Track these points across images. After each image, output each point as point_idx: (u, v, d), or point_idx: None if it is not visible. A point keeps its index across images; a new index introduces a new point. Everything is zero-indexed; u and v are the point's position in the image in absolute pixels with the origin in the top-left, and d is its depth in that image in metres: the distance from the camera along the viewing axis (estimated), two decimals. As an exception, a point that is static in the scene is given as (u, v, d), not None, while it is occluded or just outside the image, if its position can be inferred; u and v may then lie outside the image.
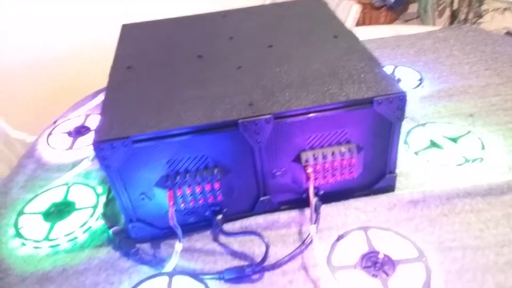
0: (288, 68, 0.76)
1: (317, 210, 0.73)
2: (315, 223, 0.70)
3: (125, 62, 0.83)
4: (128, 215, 0.72)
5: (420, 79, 1.10)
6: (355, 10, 1.72)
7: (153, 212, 0.73)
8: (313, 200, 0.70)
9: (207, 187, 0.70)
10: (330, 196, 0.77)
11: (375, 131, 0.71)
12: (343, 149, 0.71)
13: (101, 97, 1.15)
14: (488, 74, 1.12)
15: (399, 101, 0.68)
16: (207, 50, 0.85)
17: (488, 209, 0.75)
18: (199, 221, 0.75)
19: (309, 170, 0.71)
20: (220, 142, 0.67)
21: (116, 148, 0.64)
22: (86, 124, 1.06)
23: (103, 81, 1.22)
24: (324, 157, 0.71)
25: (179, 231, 0.68)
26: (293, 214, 0.76)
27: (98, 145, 0.63)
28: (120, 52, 0.88)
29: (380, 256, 0.67)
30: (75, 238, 0.77)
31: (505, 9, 1.89)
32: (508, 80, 1.08)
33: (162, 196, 0.70)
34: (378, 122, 0.70)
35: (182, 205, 0.71)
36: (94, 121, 1.06)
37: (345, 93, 0.68)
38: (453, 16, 2.06)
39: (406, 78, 1.11)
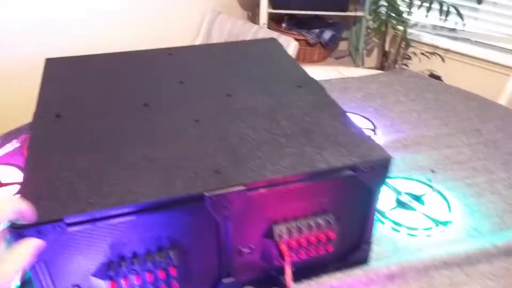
0: (254, 124, 0.66)
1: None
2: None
3: (52, 108, 0.67)
4: (55, 313, 0.56)
5: (373, 128, 1.06)
6: (293, 46, 1.68)
7: (89, 305, 0.57)
8: (292, 285, 0.59)
9: (161, 275, 0.56)
10: (300, 272, 0.66)
11: (353, 199, 0.63)
12: (320, 220, 0.61)
13: (13, 144, 0.95)
14: (436, 124, 1.10)
15: (383, 167, 0.60)
16: (154, 97, 0.72)
17: (467, 282, 0.69)
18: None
19: (283, 246, 0.60)
20: (179, 219, 0.54)
21: (45, 235, 0.48)
22: (-7, 177, 0.86)
23: (12, 120, 1.04)
24: (299, 230, 0.61)
25: (124, 335, 0.53)
26: (260, 296, 0.65)
27: (18, 232, 0.47)
28: (45, 95, 0.71)
29: None
30: None
31: (431, 53, 1.97)
32: (456, 131, 1.08)
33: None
34: (358, 189, 0.61)
35: (128, 297, 0.56)
36: (4, 174, 0.87)
37: (325, 159, 0.59)
38: (384, 56, 2.12)
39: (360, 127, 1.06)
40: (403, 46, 2.01)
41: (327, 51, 2.22)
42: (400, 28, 1.94)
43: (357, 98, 1.21)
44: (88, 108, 0.69)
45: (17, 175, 0.86)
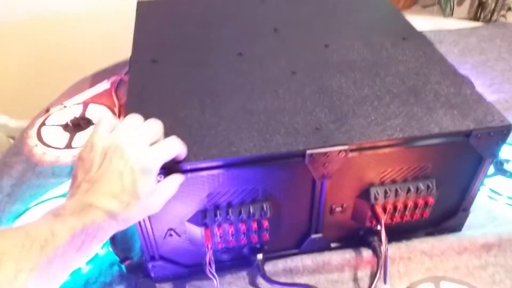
0: (355, 78, 0.62)
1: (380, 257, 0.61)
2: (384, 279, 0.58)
3: (148, 53, 0.67)
4: (150, 253, 0.58)
5: (471, 87, 0.97)
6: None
7: (180, 248, 0.59)
8: (386, 252, 0.57)
9: (254, 226, 0.56)
10: (392, 234, 0.63)
11: (461, 166, 0.58)
12: (421, 185, 0.58)
13: (104, 84, 0.97)
14: (543, 85, 1.00)
15: (501, 134, 0.54)
16: (248, 46, 0.69)
17: None
18: (234, 259, 0.62)
19: (379, 209, 0.58)
20: (277, 174, 0.53)
21: (148, 181, 0.49)
22: (86, 115, 0.89)
23: (105, 60, 1.06)
24: (397, 194, 0.57)
25: (216, 282, 0.54)
26: (347, 255, 0.64)
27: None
28: (140, 39, 0.71)
29: (459, 320, 0.55)
30: (78, 270, 0.63)
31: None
32: None
33: (195, 233, 0.56)
34: (468, 156, 0.57)
35: (220, 245, 0.57)
36: (96, 112, 0.90)
37: (436, 122, 0.54)
38: (480, 6, 1.93)
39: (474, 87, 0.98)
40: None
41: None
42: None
43: (452, 53, 1.11)
44: (183, 55, 0.68)
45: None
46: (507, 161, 0.78)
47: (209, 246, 0.54)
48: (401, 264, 0.63)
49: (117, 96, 0.93)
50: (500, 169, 0.77)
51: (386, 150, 0.53)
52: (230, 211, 0.54)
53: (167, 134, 0.49)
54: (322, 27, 0.74)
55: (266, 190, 0.54)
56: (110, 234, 0.43)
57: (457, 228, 0.67)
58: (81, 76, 1.03)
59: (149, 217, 0.54)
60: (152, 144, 0.46)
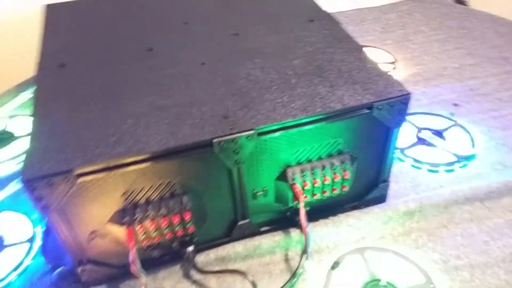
0: (263, 64, 0.63)
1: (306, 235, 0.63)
2: (307, 254, 0.59)
3: (55, 58, 0.66)
4: (77, 257, 0.57)
5: (393, 62, 1.01)
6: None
7: (108, 250, 0.58)
8: (306, 226, 0.58)
9: (175, 219, 0.56)
10: (317, 212, 0.66)
11: (370, 138, 0.61)
12: (335, 161, 0.60)
13: (26, 94, 0.95)
14: (460, 54, 1.05)
15: (401, 104, 0.57)
16: (158, 40, 0.69)
17: (490, 217, 0.68)
18: (165, 255, 0.62)
19: (297, 188, 0.59)
20: (189, 166, 0.53)
21: (55, 186, 0.48)
22: (8, 130, 0.87)
23: (22, 71, 1.02)
24: (313, 172, 0.59)
25: (143, 279, 0.55)
26: (277, 237, 0.65)
27: (29, 184, 0.47)
28: (48, 44, 0.69)
29: (383, 284, 0.58)
30: (8, 284, 0.62)
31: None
32: (481, 61, 1.02)
33: (118, 232, 0.56)
34: (375, 128, 0.59)
35: (145, 242, 0.57)
36: (19, 125, 0.87)
37: (339, 98, 0.56)
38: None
39: (379, 60, 1.01)
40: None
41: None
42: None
43: (374, 31, 1.14)
44: (92, 56, 0.67)
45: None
46: (419, 129, 0.81)
47: (132, 244, 0.54)
48: (329, 239, 0.65)
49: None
50: (419, 138, 0.80)
51: (294, 130, 0.54)
52: (149, 207, 0.54)
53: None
54: (231, 17, 0.75)
55: (184, 183, 0.55)
56: None
57: (381, 199, 0.69)
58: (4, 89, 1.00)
59: (68, 223, 0.53)
60: None
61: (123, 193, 0.53)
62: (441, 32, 1.14)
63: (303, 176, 0.59)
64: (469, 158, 0.76)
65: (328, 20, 0.72)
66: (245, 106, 0.55)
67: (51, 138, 0.52)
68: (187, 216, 0.56)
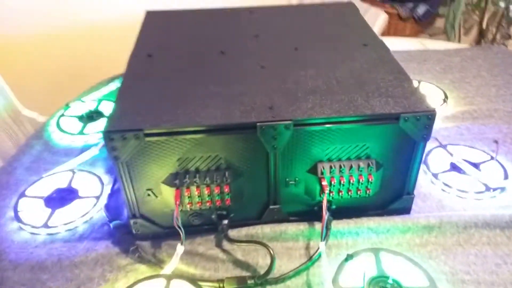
0: (313, 73, 0.73)
1: (328, 226, 0.70)
2: (324, 240, 0.67)
3: (146, 49, 0.80)
4: (132, 210, 0.69)
5: (445, 98, 1.06)
6: (382, 19, 1.68)
7: (157, 209, 0.70)
8: (326, 215, 0.66)
9: (216, 190, 0.67)
10: (343, 212, 0.73)
11: (397, 149, 0.68)
12: (362, 164, 0.67)
13: (116, 83, 1.12)
14: (514, 100, 1.08)
15: (427, 119, 0.64)
16: (230, 46, 0.82)
17: (507, 243, 0.71)
18: (204, 224, 0.72)
19: (324, 182, 0.68)
20: (235, 144, 0.64)
21: (127, 140, 0.61)
22: (99, 109, 1.03)
23: (120, 67, 1.21)
24: (341, 170, 0.67)
25: (182, 233, 0.65)
26: (302, 227, 0.73)
27: (108, 135, 0.60)
28: (142, 39, 0.85)
29: (389, 281, 0.64)
30: (75, 228, 0.75)
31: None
32: (535, 108, 1.04)
33: (168, 194, 0.67)
34: (401, 139, 0.66)
35: (189, 205, 0.68)
36: (107, 107, 1.04)
37: (371, 106, 0.65)
38: (481, 35, 2.01)
39: (430, 95, 1.07)
40: (503, 24, 1.88)
41: (420, 27, 2.15)
42: (502, 3, 1.83)
43: (434, 70, 1.20)
44: (174, 51, 0.81)
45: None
46: (456, 158, 0.86)
47: (178, 203, 0.65)
48: (349, 237, 0.72)
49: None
50: (454, 166, 0.85)
51: (326, 127, 0.63)
52: (197, 175, 0.65)
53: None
54: (296, 35, 0.86)
55: (228, 160, 0.66)
56: None
57: (405, 211, 0.75)
58: (99, 80, 1.18)
59: (131, 177, 0.65)
60: None
61: (178, 159, 0.64)
62: (500, 78, 1.17)
63: (331, 172, 0.67)
64: (498, 189, 0.79)
65: (380, 46, 0.81)
66: (289, 102, 0.65)
67: (131, 105, 0.66)
68: (227, 189, 0.66)
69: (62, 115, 1.03)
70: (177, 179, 0.65)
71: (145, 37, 0.86)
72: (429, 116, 0.64)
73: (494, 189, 0.79)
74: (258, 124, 0.62)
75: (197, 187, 0.66)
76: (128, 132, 0.60)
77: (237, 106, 0.65)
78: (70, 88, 1.16)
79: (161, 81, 0.72)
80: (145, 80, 0.72)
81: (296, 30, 0.89)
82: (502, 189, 0.80)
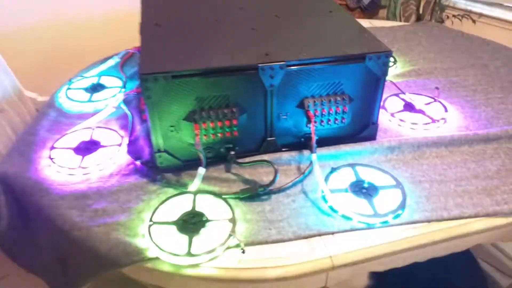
0: (295, 32, 0.92)
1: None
2: (315, 152, 0.85)
3: (152, 20, 0.96)
4: (157, 145, 0.85)
5: (394, 61, 1.29)
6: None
7: (178, 145, 0.85)
8: (314, 135, 0.85)
9: (227, 123, 0.84)
10: (324, 141, 0.92)
11: (363, 85, 0.87)
12: (338, 98, 0.87)
13: (112, 61, 1.26)
14: (449, 61, 1.32)
15: (385, 57, 0.84)
16: (222, 16, 1.00)
17: (450, 156, 0.92)
18: (215, 157, 0.89)
19: (310, 114, 0.86)
20: (240, 83, 0.81)
21: (158, 81, 0.77)
22: (100, 82, 1.17)
23: (112, 49, 1.35)
24: (322, 103, 0.86)
25: (203, 157, 0.81)
26: (293, 154, 0.91)
27: (144, 77, 0.76)
28: (145, 13, 1.00)
29: (365, 183, 0.83)
30: (105, 168, 0.89)
31: (462, 16, 2.14)
32: (465, 66, 1.29)
33: (188, 130, 0.83)
34: (367, 76, 0.86)
35: (205, 138, 0.84)
36: (108, 81, 1.18)
37: (343, 50, 0.84)
38: (418, 21, 2.30)
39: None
40: (436, 10, 2.18)
41: (366, 16, 2.42)
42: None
43: (383, 42, 1.42)
44: (177, 21, 0.97)
45: (117, 83, 1.17)
46: (406, 100, 1.08)
47: (197, 133, 0.82)
48: (331, 160, 0.91)
49: (122, 71, 1.22)
50: (405, 106, 1.06)
51: (310, 67, 0.82)
52: (211, 112, 0.82)
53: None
54: (275, 6, 1.05)
55: (234, 98, 0.83)
56: None
57: (372, 137, 0.95)
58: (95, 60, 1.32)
59: (159, 115, 0.81)
60: None
61: (196, 98, 0.81)
62: (437, 46, 1.41)
63: (315, 105, 0.86)
64: (441, 120, 1.01)
65: (341, 11, 1.02)
66: (280, 50, 0.84)
67: (155, 55, 0.82)
68: (235, 122, 0.84)
69: (69, 88, 1.16)
70: (195, 115, 0.82)
71: (147, 11, 1.02)
72: (387, 55, 0.84)
73: (438, 121, 1.01)
74: (259, 65, 0.80)
75: (211, 121, 0.83)
76: (158, 74, 0.76)
77: (240, 54, 0.82)
78: (64, 71, 1.29)
79: (173, 40, 0.88)
80: (160, 39, 0.88)
81: (274, 3, 1.08)
82: (444, 120, 1.02)
